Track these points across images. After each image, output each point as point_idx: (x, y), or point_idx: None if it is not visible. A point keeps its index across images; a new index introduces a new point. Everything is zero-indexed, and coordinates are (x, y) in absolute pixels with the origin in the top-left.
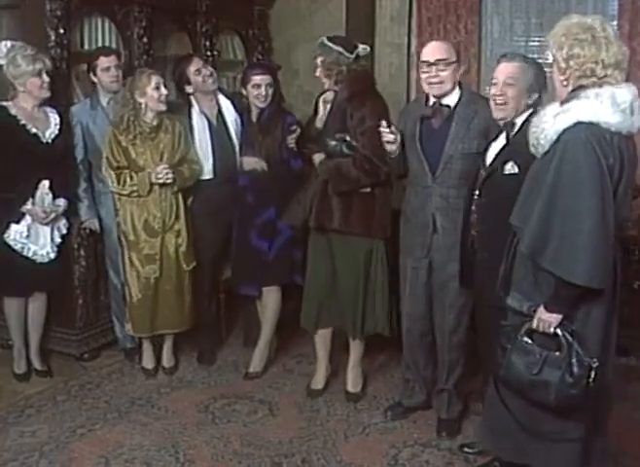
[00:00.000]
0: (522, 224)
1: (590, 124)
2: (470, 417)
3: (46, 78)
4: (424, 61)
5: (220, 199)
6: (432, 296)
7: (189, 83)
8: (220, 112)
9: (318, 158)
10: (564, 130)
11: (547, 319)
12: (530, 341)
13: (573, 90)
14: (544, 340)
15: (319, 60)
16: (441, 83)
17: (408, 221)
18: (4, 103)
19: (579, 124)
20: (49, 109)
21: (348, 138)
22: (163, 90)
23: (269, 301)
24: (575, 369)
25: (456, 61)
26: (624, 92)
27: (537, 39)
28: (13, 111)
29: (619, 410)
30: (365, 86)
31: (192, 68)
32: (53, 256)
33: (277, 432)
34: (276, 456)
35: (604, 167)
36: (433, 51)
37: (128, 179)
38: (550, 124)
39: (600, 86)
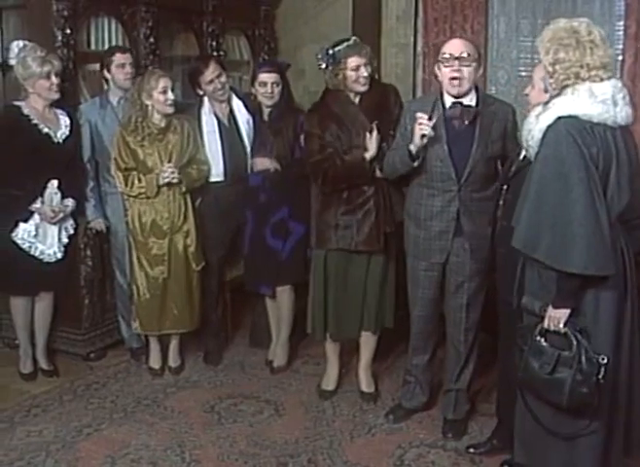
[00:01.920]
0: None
1: (570, 117)
2: (476, 418)
3: (54, 80)
4: (447, 55)
5: (229, 200)
6: (444, 297)
7: (200, 87)
8: (232, 113)
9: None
10: (547, 127)
11: (555, 316)
12: (544, 342)
13: (558, 92)
14: (556, 339)
15: (368, 58)
16: (461, 79)
17: (419, 226)
18: (17, 103)
19: (559, 119)
20: (59, 111)
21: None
22: (170, 95)
23: (284, 300)
24: (584, 366)
25: (478, 60)
26: (604, 86)
27: None
28: (25, 111)
29: None
30: None
31: (205, 77)
32: (60, 256)
33: (283, 432)
34: (282, 456)
35: (587, 157)
36: (458, 45)
37: (136, 181)
38: (534, 124)
39: (582, 83)
